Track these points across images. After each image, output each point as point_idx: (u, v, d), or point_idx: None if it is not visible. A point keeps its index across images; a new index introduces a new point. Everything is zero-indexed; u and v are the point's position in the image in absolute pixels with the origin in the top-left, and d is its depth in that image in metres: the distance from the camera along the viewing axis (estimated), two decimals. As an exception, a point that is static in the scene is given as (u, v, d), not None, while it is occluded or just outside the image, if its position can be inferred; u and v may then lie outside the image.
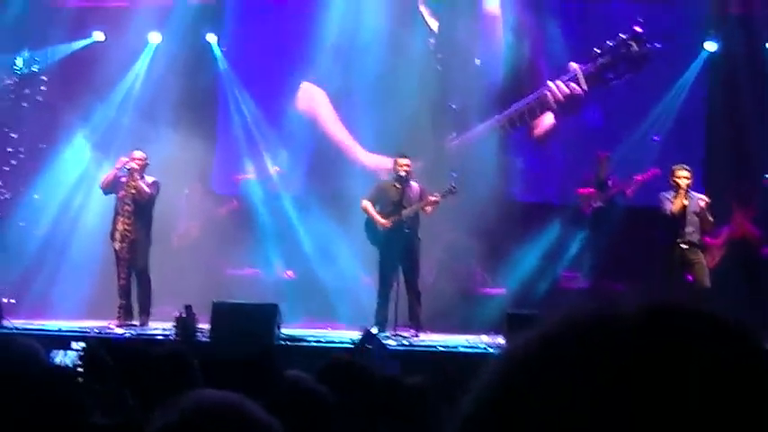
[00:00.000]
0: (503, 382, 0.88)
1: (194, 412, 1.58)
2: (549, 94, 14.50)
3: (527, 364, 0.87)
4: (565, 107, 14.54)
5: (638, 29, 14.16)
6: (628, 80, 14.30)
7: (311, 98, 15.33)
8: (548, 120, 14.81)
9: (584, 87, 14.37)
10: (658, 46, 14.20)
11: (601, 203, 13.74)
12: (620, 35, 14.18)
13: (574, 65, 14.43)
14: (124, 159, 12.52)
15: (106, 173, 12.86)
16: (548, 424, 0.82)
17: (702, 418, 0.80)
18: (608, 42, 14.23)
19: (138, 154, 12.50)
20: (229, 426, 1.60)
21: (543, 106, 14.63)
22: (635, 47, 14.15)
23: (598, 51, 14.26)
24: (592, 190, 13.79)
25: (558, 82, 14.45)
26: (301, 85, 15.27)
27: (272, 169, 15.10)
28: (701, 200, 11.82)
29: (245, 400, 1.64)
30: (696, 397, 0.80)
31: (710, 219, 11.86)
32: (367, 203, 12.34)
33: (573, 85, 14.42)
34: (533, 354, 0.87)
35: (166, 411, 1.58)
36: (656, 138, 14.38)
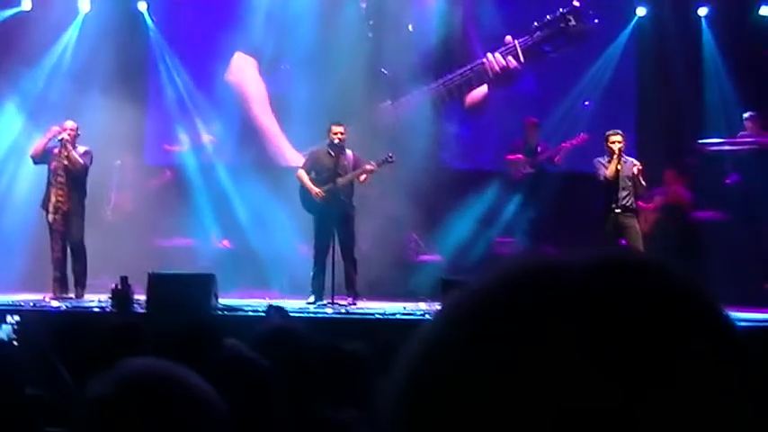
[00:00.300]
0: (435, 344, 0.81)
1: (130, 381, 1.57)
2: (486, 66, 14.51)
3: (460, 320, 0.80)
4: (501, 79, 14.58)
5: (576, 3, 14.24)
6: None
7: (241, 71, 15.21)
8: (480, 90, 14.85)
9: (522, 60, 14.42)
10: (596, 21, 14.30)
11: (531, 170, 13.89)
12: (559, 9, 14.25)
13: (509, 38, 14.46)
14: (56, 129, 12.36)
15: (36, 143, 12.64)
16: (482, 384, 0.76)
17: (658, 374, 0.75)
18: (547, 16, 14.28)
19: (69, 124, 12.33)
20: (166, 394, 1.59)
21: (480, 78, 14.67)
22: (573, 21, 14.22)
23: (536, 25, 14.31)
24: (520, 156, 13.93)
25: (497, 54, 14.47)
26: (234, 56, 15.15)
27: (206, 138, 15.00)
28: (635, 165, 11.94)
29: (181, 369, 1.63)
30: (653, 353, 0.75)
31: (643, 183, 11.98)
32: (301, 172, 12.29)
33: (510, 58, 14.45)
34: (468, 308, 0.81)
35: (101, 381, 1.57)
36: (587, 103, 14.52)
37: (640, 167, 11.89)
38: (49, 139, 12.33)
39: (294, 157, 14.24)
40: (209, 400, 1.64)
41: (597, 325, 0.76)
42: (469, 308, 0.81)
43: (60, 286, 12.23)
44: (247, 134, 15.01)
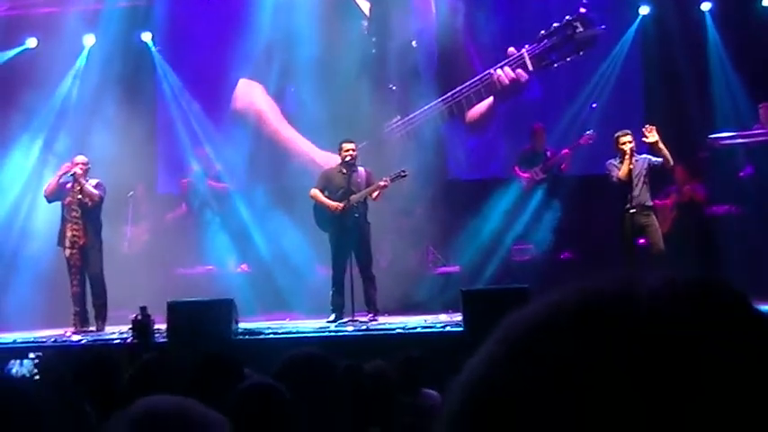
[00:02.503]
0: (501, 364, 0.77)
1: (142, 421, 1.56)
2: (494, 78, 14.45)
3: (519, 352, 0.76)
4: (509, 91, 14.52)
5: (582, 10, 14.20)
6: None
7: (250, 95, 15.26)
8: (482, 105, 14.82)
9: (531, 70, 14.37)
10: (603, 27, 14.26)
11: (543, 175, 13.91)
12: (566, 17, 14.20)
13: (512, 50, 14.41)
14: (67, 165, 12.44)
15: (49, 181, 12.72)
16: (538, 415, 0.72)
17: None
18: (553, 24, 14.24)
19: (79, 158, 12.41)
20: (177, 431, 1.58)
21: (489, 90, 14.61)
22: (580, 28, 14.17)
23: (543, 33, 14.26)
24: (526, 174, 13.94)
25: (505, 68, 14.41)
26: (239, 83, 15.20)
27: (217, 165, 14.99)
28: (647, 158, 11.89)
29: (195, 405, 1.62)
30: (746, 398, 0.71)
31: (665, 152, 11.76)
32: (316, 191, 12.28)
33: (519, 69, 14.39)
34: (530, 340, 0.76)
35: (115, 421, 1.57)
36: (594, 105, 14.48)
37: (655, 141, 11.71)
38: (61, 176, 12.40)
39: (324, 157, 14.21)
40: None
41: (652, 352, 0.72)
42: (536, 328, 0.77)
43: (81, 320, 12.26)
44: (259, 157, 15.01)
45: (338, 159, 12.44)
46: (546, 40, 14.27)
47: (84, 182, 12.25)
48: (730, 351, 0.73)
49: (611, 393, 0.71)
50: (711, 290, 0.78)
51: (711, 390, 0.71)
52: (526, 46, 14.34)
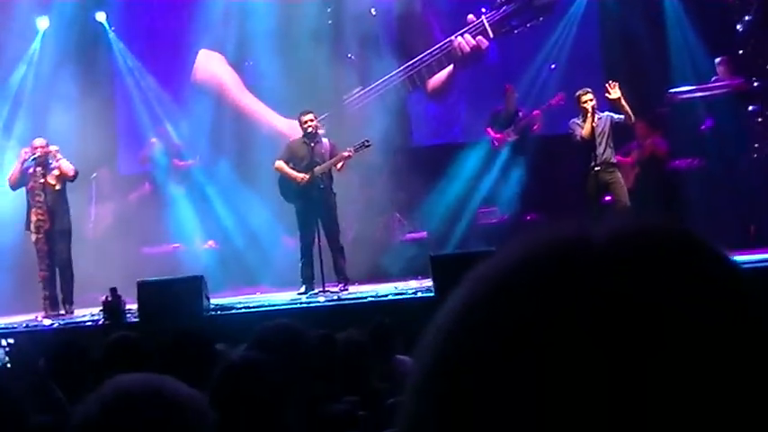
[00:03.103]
0: (457, 322, 0.76)
1: (114, 401, 1.56)
2: (455, 46, 14.41)
3: (481, 300, 0.75)
4: (470, 59, 14.49)
5: None
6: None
7: (211, 66, 15.15)
8: (442, 73, 14.78)
9: (491, 37, 14.34)
10: None
11: (515, 136, 13.94)
12: None
13: (471, 17, 14.36)
14: (26, 150, 12.37)
15: (11, 169, 12.62)
16: (505, 360, 0.71)
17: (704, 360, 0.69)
18: None
19: (38, 141, 12.37)
20: (151, 410, 1.58)
21: (450, 59, 14.56)
22: None
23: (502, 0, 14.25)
24: (499, 135, 13.97)
25: (466, 35, 14.37)
26: (199, 54, 15.09)
27: (179, 143, 14.91)
28: (609, 115, 11.93)
29: (166, 381, 1.62)
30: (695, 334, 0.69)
31: (627, 108, 11.80)
32: (281, 163, 12.25)
33: (480, 37, 14.36)
34: (489, 287, 0.75)
35: (87, 403, 1.57)
36: (553, 66, 14.48)
37: (617, 98, 11.77)
38: (23, 163, 12.31)
39: (287, 124, 14.15)
40: (197, 411, 1.64)
41: (612, 303, 0.70)
42: (490, 287, 0.76)
43: (51, 305, 12.22)
44: (222, 130, 14.94)
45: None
46: (505, 7, 14.24)
47: (60, 157, 12.26)
48: (697, 301, 0.71)
49: (571, 351, 0.69)
50: (676, 235, 0.76)
51: (677, 343, 0.69)
52: (484, 11, 14.30)
